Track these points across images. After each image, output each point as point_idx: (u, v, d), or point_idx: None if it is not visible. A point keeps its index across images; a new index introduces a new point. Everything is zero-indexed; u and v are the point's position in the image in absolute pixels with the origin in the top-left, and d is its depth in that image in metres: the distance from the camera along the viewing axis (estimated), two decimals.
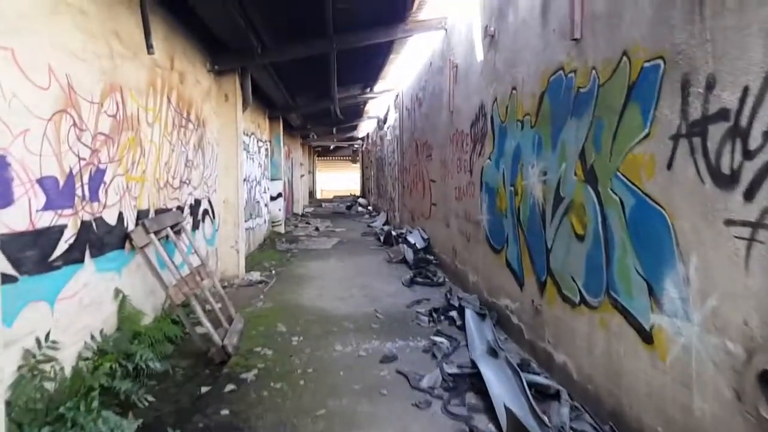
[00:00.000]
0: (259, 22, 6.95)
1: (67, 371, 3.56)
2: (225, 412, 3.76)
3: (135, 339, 4.51)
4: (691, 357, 2.68)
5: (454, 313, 5.92)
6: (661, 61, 2.91)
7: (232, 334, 5.06)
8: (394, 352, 4.97)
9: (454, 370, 4.51)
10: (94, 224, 4.06)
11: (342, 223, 17.79)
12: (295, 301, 6.85)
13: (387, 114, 16.15)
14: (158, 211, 5.38)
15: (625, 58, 3.28)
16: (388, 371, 4.53)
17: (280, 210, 14.57)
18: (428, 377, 4.30)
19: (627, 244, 3.25)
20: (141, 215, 4.93)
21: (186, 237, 5.56)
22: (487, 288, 6.01)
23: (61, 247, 3.62)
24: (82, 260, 3.90)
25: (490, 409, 3.70)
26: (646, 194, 3.04)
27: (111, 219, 4.36)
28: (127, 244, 4.63)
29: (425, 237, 9.73)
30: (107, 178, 4.26)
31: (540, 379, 4.13)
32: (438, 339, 5.30)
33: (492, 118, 5.76)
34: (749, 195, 2.32)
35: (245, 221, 10.17)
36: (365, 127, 23.87)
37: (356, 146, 32.72)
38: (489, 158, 5.85)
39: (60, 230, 3.60)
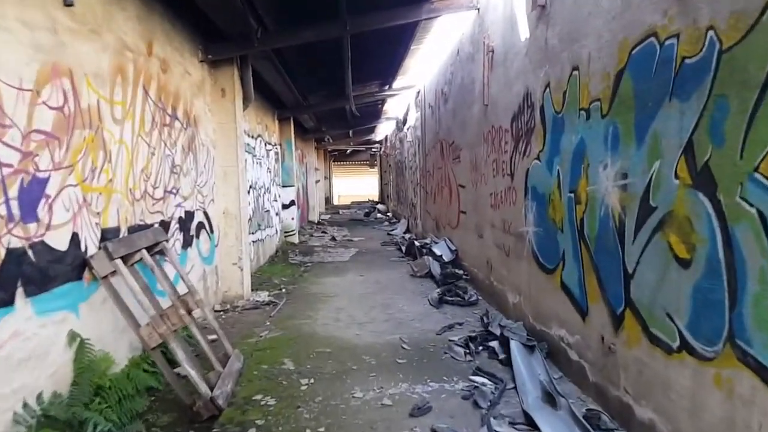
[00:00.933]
0: (260, 1, 5.98)
1: None
2: None
3: (97, 395, 3.52)
4: None
5: (494, 344, 4.83)
6: None
7: (225, 379, 4.05)
8: (427, 399, 3.92)
9: (504, 429, 3.46)
10: (30, 252, 3.08)
11: (360, 231, 16.77)
12: (307, 328, 5.82)
13: (407, 114, 15.09)
14: (133, 229, 4.40)
15: None
16: (421, 430, 3.48)
17: (293, 219, 13.60)
18: None
19: None
20: (107, 235, 3.95)
21: (171, 258, 4.58)
22: (534, 313, 4.90)
23: None
24: (10, 302, 2.92)
25: None
26: None
27: (59, 243, 3.37)
28: (86, 273, 3.65)
29: (453, 248, 8.63)
30: (51, 189, 3.28)
31: None
32: (479, 380, 4.24)
33: (542, 108, 4.65)
34: None
35: (252, 233, 9.20)
36: (383, 130, 22.86)
37: (374, 150, 31.74)
38: (537, 158, 4.75)
39: None
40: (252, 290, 7.67)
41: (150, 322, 3.65)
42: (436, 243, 9.44)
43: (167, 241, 4.73)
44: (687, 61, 2.75)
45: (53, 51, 3.32)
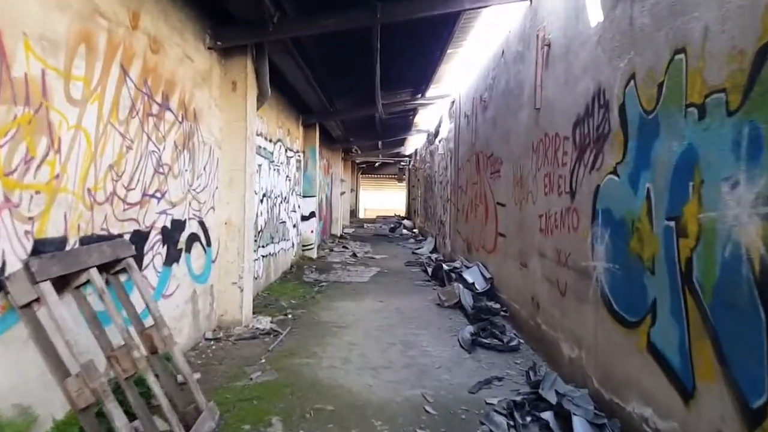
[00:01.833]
0: None
1: None
2: None
3: None
4: None
5: (548, 415, 3.65)
6: None
7: None
8: None
9: None
10: None
11: (384, 248, 15.71)
12: (309, 371, 4.76)
13: (439, 126, 14.07)
14: (89, 240, 3.45)
15: None
16: None
17: (312, 232, 12.65)
18: None
19: None
20: (44, 248, 3.00)
21: (136, 280, 3.61)
22: (602, 376, 3.74)
23: None
24: None
25: None
26: None
27: None
28: (0, 299, 2.70)
29: (487, 276, 7.48)
30: None
31: None
32: None
33: (622, 107, 3.54)
34: None
35: (262, 246, 8.26)
36: (413, 143, 21.91)
37: (403, 164, 30.79)
38: (614, 172, 3.62)
39: None
40: (254, 314, 6.68)
41: (80, 372, 2.65)
42: (468, 268, 8.30)
43: (135, 256, 3.76)
44: None
45: None
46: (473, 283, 7.50)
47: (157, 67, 4.43)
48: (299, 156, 11.69)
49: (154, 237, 4.50)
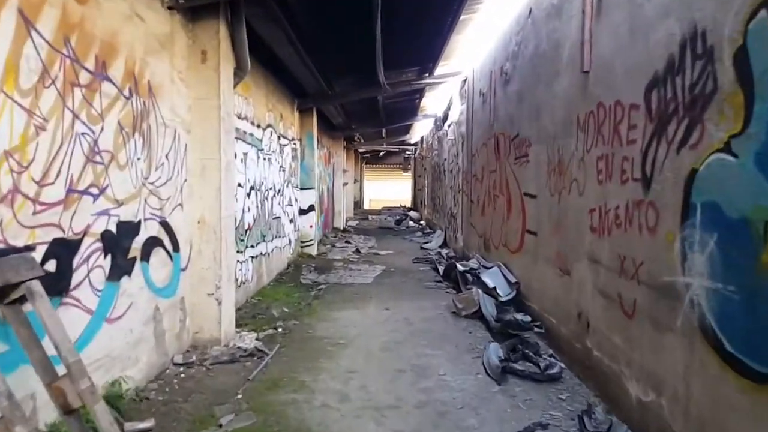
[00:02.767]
0: None
1: None
2: None
3: None
4: None
5: None
6: None
7: None
8: None
9: None
10: None
11: (389, 242, 14.61)
12: (295, 415, 3.70)
13: (448, 109, 12.90)
14: None
15: None
16: None
17: (311, 227, 11.57)
18: None
19: None
20: None
21: (39, 310, 2.55)
22: None
23: None
24: None
25: None
26: None
27: None
28: None
29: (512, 280, 6.38)
30: None
31: None
32: None
33: (743, 54, 2.39)
34: None
35: (251, 246, 7.20)
36: (419, 130, 20.74)
37: (408, 153, 29.60)
38: (725, 149, 2.49)
39: None
40: (238, 327, 5.64)
41: None
42: (487, 269, 7.20)
43: (53, 274, 2.69)
44: None
45: None
46: (495, 288, 6.40)
47: (85, 23, 3.32)
48: (295, 144, 10.57)
49: (90, 246, 3.42)
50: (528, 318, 5.51)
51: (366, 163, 35.53)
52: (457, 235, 11.43)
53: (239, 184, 6.65)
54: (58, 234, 3.10)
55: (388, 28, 6.77)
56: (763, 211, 2.22)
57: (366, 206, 35.78)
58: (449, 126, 12.97)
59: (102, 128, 3.53)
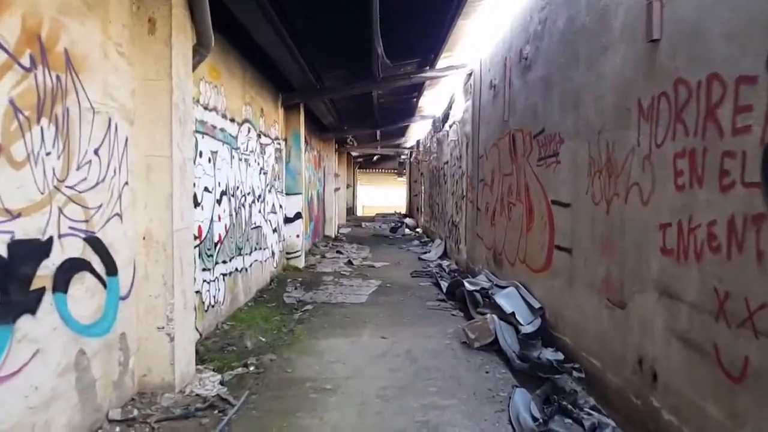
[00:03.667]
0: None
1: None
2: None
3: None
4: None
5: None
6: None
7: None
8: None
9: None
10: None
11: (384, 252, 13.52)
12: None
13: (449, 107, 11.87)
14: None
15: None
16: None
17: (298, 236, 10.47)
18: None
19: None
20: None
21: None
22: None
23: None
24: None
25: None
26: None
27: None
28: None
29: (536, 305, 5.31)
30: None
31: None
32: None
33: None
34: None
35: (223, 262, 6.11)
36: (415, 133, 19.72)
37: (403, 157, 28.57)
38: None
39: None
40: (200, 364, 4.56)
41: None
42: (501, 288, 6.14)
43: None
44: None
45: None
46: (513, 314, 5.33)
47: None
48: (279, 144, 9.49)
49: None
50: (560, 356, 4.43)
51: (359, 168, 34.47)
52: (459, 246, 10.38)
53: (207, 189, 5.57)
54: None
55: (385, 15, 5.80)
56: None
57: (359, 213, 34.68)
58: (450, 126, 11.94)
59: None
